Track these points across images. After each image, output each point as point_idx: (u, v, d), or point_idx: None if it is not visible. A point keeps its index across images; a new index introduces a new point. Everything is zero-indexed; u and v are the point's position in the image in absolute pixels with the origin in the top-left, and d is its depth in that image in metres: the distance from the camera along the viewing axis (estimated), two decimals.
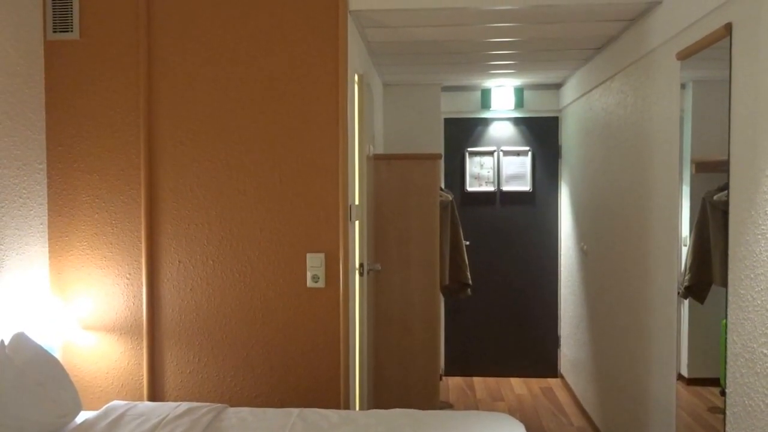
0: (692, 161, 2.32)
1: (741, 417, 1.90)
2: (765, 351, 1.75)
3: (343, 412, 2.19)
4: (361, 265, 2.88)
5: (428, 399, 3.53)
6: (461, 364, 4.81)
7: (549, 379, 4.73)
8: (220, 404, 2.23)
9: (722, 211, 2.01)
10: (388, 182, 3.49)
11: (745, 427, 1.87)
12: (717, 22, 2.04)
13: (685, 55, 2.30)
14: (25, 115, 2.45)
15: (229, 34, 2.53)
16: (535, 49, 3.45)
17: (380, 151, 4.19)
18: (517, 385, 4.62)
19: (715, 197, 2.09)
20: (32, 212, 2.50)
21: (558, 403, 4.24)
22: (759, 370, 1.79)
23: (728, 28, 1.95)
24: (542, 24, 2.92)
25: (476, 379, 4.74)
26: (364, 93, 2.90)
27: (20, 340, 2.10)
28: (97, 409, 2.23)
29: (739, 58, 1.92)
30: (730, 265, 1.97)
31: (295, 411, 2.19)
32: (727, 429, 1.99)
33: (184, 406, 2.17)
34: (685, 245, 2.37)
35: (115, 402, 2.22)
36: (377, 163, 3.50)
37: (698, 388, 2.38)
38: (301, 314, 2.54)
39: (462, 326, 4.82)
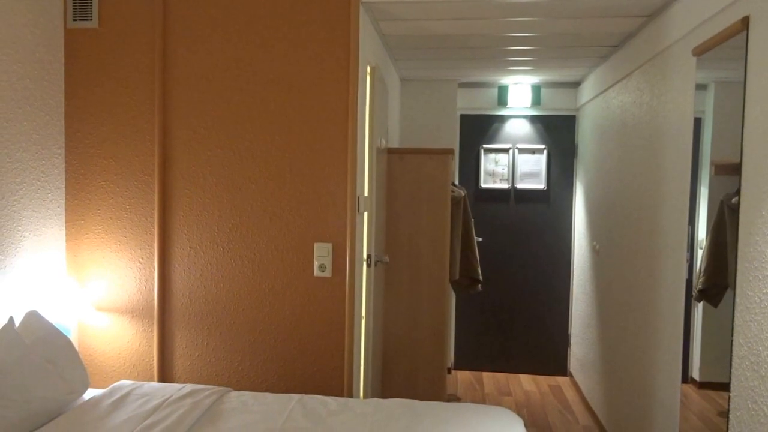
0: (712, 163, 2.28)
1: (744, 421, 1.87)
2: None
3: (341, 400, 2.21)
4: (368, 256, 2.90)
5: (436, 392, 3.54)
6: (470, 358, 4.81)
7: (558, 378, 4.70)
8: (223, 387, 2.27)
9: (739, 216, 1.97)
10: (401, 176, 3.51)
11: (749, 430, 1.84)
12: (734, 16, 2.00)
13: (701, 51, 2.25)
14: (44, 100, 2.53)
15: (243, 26, 2.56)
16: (554, 45, 3.42)
17: (396, 144, 4.20)
18: (525, 381, 4.60)
19: (733, 200, 2.03)
20: (50, 195, 2.58)
21: (565, 401, 4.21)
22: (764, 374, 1.76)
23: (745, 23, 1.91)
24: (560, 19, 2.89)
25: (485, 374, 4.74)
26: (377, 85, 2.91)
27: (32, 318, 2.16)
28: (104, 389, 2.30)
29: (755, 53, 1.88)
30: (739, 266, 1.94)
31: (296, 396, 2.22)
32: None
33: (188, 387, 2.22)
34: (701, 248, 2.33)
35: (122, 381, 2.28)
36: (390, 156, 3.51)
37: (710, 392, 2.34)
38: (308, 303, 2.57)
39: (472, 321, 4.82)
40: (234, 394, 2.25)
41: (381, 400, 2.22)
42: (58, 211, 2.63)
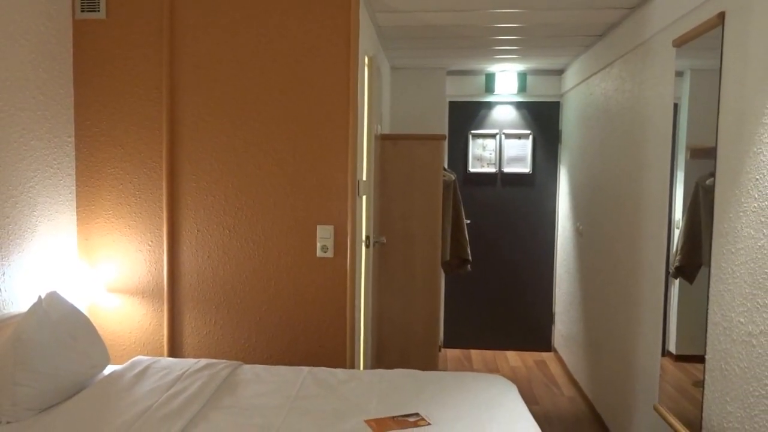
0: (687, 147, 2.40)
1: (718, 380, 2.05)
2: (741, 320, 1.89)
3: (349, 371, 2.37)
4: (367, 237, 3.04)
5: (427, 368, 3.71)
6: (459, 336, 5.01)
7: (543, 353, 4.93)
8: (235, 361, 2.41)
9: (714, 195, 2.09)
10: (394, 161, 3.64)
11: (722, 389, 2.02)
12: (711, 10, 2.14)
13: (680, 43, 2.40)
14: (55, 90, 2.60)
15: (247, 16, 2.66)
16: (539, 35, 3.57)
17: (387, 131, 4.33)
18: (512, 357, 4.82)
19: (707, 182, 2.16)
20: (62, 182, 2.66)
21: (550, 374, 4.43)
22: (735, 338, 1.93)
23: (721, 17, 2.06)
24: (545, 10, 3.03)
25: (473, 351, 4.95)
26: (374, 75, 3.03)
27: (53, 297, 2.26)
28: (121, 365, 2.41)
29: (730, 46, 2.02)
30: (714, 241, 2.09)
31: (305, 368, 2.37)
32: (705, 393, 2.14)
33: (203, 361, 2.35)
34: (678, 228, 2.46)
35: (140, 357, 2.41)
36: (384, 142, 3.64)
37: (685, 364, 2.48)
38: (311, 282, 2.71)
39: (461, 300, 5.01)
40: (247, 366, 2.39)
41: (385, 370, 2.38)
42: (69, 197, 2.72)
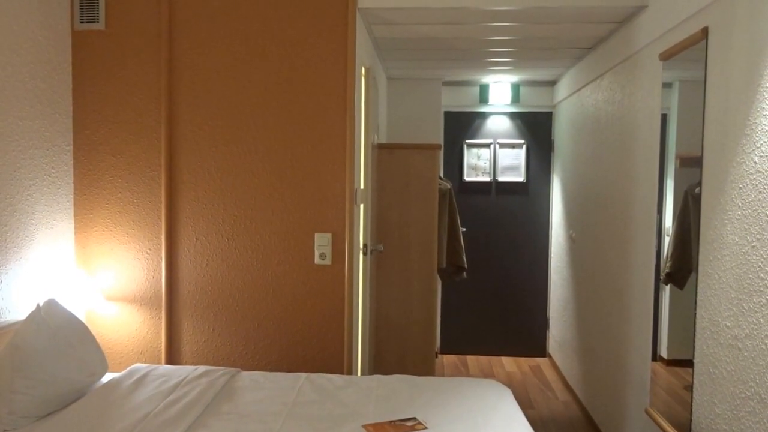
0: (677, 156, 2.46)
1: (706, 384, 2.09)
2: (728, 324, 1.94)
3: (346, 377, 2.39)
4: (365, 245, 3.08)
5: (424, 374, 3.73)
6: (456, 342, 5.05)
7: (538, 359, 4.97)
8: (233, 368, 2.43)
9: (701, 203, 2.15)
10: (391, 170, 3.69)
11: (710, 392, 2.07)
12: (695, 26, 2.22)
13: (667, 56, 2.48)
14: (54, 99, 2.64)
15: (246, 27, 2.71)
16: (531, 47, 3.64)
17: (383, 140, 4.38)
18: (507, 363, 4.86)
19: (696, 190, 2.22)
20: (60, 190, 2.70)
21: (545, 379, 4.47)
22: (722, 342, 1.98)
23: (705, 32, 2.13)
24: (538, 24, 3.10)
25: (469, 357, 4.98)
26: (370, 85, 3.08)
27: (52, 305, 2.28)
28: (119, 372, 2.44)
29: (713, 59, 2.09)
30: (701, 248, 2.15)
31: (303, 375, 2.40)
32: (694, 396, 2.19)
33: (202, 368, 2.37)
34: (668, 235, 2.51)
35: (138, 364, 2.43)
36: (381, 151, 3.69)
37: (676, 369, 2.53)
38: (309, 289, 2.74)
39: (457, 307, 5.04)
40: (245, 373, 2.41)
41: (383, 376, 2.41)
42: (67, 205, 2.75)
